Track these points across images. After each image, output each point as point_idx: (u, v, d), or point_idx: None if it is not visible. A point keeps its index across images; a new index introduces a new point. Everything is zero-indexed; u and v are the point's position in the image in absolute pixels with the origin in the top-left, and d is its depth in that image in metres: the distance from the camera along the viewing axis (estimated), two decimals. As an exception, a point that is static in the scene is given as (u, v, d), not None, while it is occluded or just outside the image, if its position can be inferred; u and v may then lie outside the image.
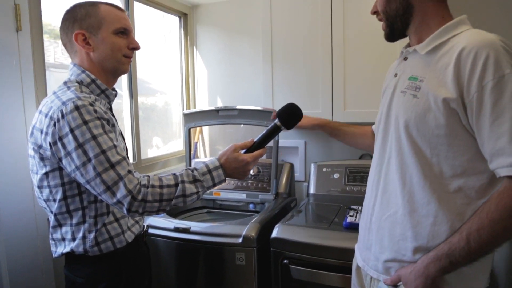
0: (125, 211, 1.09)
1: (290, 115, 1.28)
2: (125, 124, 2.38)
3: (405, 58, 1.15)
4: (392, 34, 1.15)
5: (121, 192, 1.07)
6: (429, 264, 0.98)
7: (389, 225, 1.10)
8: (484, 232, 0.91)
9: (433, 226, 1.02)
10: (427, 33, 1.07)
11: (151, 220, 2.02)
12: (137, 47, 1.30)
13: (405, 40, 1.18)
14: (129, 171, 1.11)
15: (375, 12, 1.18)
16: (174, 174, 1.18)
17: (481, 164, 0.98)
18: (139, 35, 2.46)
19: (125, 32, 1.26)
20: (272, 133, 1.28)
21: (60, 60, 2.04)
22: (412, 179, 1.05)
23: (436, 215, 1.01)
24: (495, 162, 0.92)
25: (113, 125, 1.20)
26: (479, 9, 2.26)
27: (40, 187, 1.18)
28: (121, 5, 2.31)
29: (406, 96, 1.07)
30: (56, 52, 2.01)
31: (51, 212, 1.18)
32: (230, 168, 1.24)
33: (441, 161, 1.01)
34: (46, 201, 1.18)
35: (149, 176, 1.15)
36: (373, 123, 1.51)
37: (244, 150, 1.28)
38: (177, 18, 2.94)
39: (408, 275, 1.02)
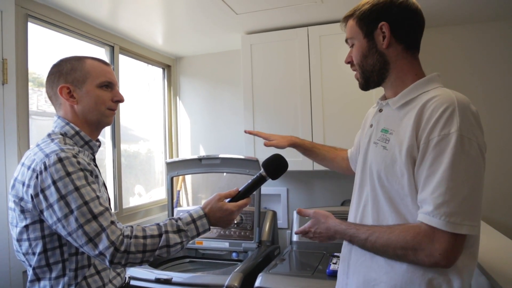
0: (107, 263, 1.07)
1: (276, 167, 1.31)
2: (107, 172, 2.38)
3: (380, 110, 1.21)
4: (367, 86, 1.20)
5: (103, 244, 1.06)
6: (337, 232, 1.17)
7: (365, 270, 1.12)
8: (379, 242, 1.03)
9: (407, 272, 1.03)
10: (402, 88, 1.13)
11: (131, 270, 1.97)
12: (121, 100, 1.33)
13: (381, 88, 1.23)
14: (112, 222, 1.10)
15: (349, 62, 1.22)
16: (158, 224, 1.17)
17: None
18: (124, 83, 2.52)
19: (110, 85, 1.29)
20: (257, 183, 1.30)
21: (43, 108, 2.06)
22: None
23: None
24: (420, 209, 0.99)
25: (96, 176, 1.20)
26: (449, 66, 2.42)
27: (19, 240, 1.15)
28: (106, 58, 2.38)
29: (378, 147, 1.12)
30: (39, 100, 2.04)
31: (30, 265, 1.15)
32: (215, 217, 1.24)
33: (411, 211, 1.04)
34: (25, 254, 1.16)
35: (132, 227, 1.14)
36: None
37: (228, 199, 1.28)
38: (160, 69, 3.02)
39: (321, 220, 1.23)
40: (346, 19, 1.20)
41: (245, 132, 1.73)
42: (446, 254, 0.94)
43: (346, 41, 1.22)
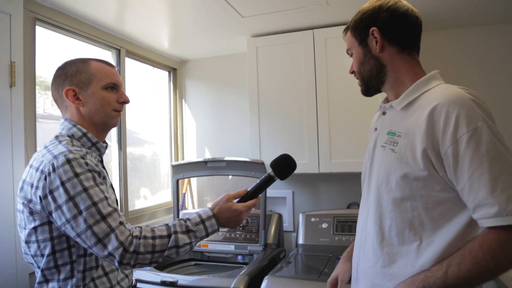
0: (116, 264, 1.07)
1: (284, 166, 1.31)
2: (113, 175, 2.38)
3: (384, 113, 1.20)
4: (368, 92, 1.22)
5: (112, 244, 1.06)
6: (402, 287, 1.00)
7: (371, 276, 1.11)
8: (464, 267, 0.91)
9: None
10: (402, 89, 1.13)
11: (136, 273, 1.97)
12: (126, 101, 1.33)
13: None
14: (121, 223, 1.10)
15: (353, 72, 1.25)
16: (167, 225, 1.17)
17: (460, 212, 1.00)
18: (129, 86, 2.53)
19: (115, 87, 1.30)
20: (266, 183, 1.30)
21: (49, 111, 2.07)
22: (391, 231, 1.07)
23: (414, 266, 1.02)
24: (478, 213, 0.92)
25: (104, 177, 1.21)
26: (450, 64, 2.41)
27: (27, 242, 1.16)
28: (112, 61, 2.39)
29: (386, 150, 1.11)
30: (45, 104, 2.05)
31: (38, 267, 1.15)
32: (223, 217, 1.24)
33: (421, 213, 1.02)
34: (33, 256, 1.16)
35: (141, 227, 1.14)
36: (359, 172, 1.54)
37: (237, 200, 1.29)
38: (166, 72, 3.03)
39: None
40: (345, 31, 1.24)
41: None
42: None
43: (347, 52, 1.25)
